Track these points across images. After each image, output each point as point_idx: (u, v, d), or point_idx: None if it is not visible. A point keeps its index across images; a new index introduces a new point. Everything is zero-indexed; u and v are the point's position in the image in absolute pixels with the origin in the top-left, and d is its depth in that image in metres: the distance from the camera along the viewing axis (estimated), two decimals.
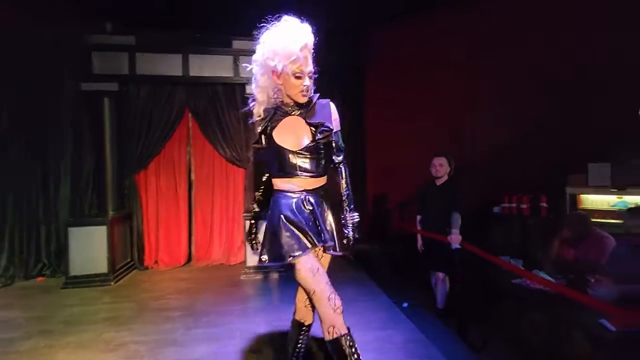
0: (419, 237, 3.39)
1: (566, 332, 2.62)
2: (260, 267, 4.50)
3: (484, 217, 4.70)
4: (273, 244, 1.51)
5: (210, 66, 4.64)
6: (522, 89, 4.79)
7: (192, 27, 4.77)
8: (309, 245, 1.49)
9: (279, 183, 1.62)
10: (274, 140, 1.57)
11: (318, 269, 1.50)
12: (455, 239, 2.82)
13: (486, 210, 4.70)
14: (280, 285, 4.26)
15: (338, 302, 1.48)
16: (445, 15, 5.10)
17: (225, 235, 5.14)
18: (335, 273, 4.99)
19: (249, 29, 4.97)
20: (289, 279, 4.44)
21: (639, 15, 3.98)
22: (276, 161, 1.59)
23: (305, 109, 1.62)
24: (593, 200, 3.95)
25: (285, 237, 1.48)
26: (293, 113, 1.61)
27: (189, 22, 4.71)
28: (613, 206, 3.80)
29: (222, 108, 4.95)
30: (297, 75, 1.52)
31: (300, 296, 1.77)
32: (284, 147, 1.56)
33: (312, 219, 1.55)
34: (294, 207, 1.54)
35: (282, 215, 1.51)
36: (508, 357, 2.52)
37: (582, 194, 4.00)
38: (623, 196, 3.73)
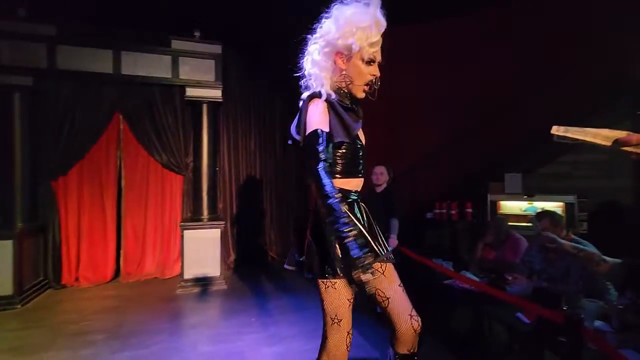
0: None
1: (489, 325, 2.90)
2: (199, 280, 4.27)
3: (419, 222, 5.04)
4: (334, 257, 1.28)
5: (146, 65, 4.33)
6: (450, 106, 5.29)
7: (127, 22, 4.43)
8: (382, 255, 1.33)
9: (346, 183, 1.38)
10: (353, 132, 1.34)
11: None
12: (392, 243, 2.97)
13: (420, 216, 5.04)
14: (221, 297, 4.07)
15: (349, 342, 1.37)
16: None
17: (160, 247, 4.78)
18: (281, 281, 4.95)
19: (190, 29, 4.79)
20: (233, 290, 4.28)
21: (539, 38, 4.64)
22: (350, 157, 1.37)
23: (358, 106, 1.43)
24: (509, 206, 4.45)
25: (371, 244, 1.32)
26: (352, 107, 1.39)
27: (123, 17, 4.36)
28: (525, 211, 4.33)
29: (158, 110, 4.63)
30: (371, 60, 1.32)
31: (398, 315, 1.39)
32: (362, 143, 1.42)
33: (374, 225, 1.45)
34: (363, 211, 1.41)
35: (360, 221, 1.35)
36: (440, 352, 2.70)
37: (500, 200, 4.49)
38: (533, 202, 4.27)
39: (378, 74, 1.35)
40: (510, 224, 3.52)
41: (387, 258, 1.39)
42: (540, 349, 1.79)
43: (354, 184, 1.42)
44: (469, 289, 2.43)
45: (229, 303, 3.86)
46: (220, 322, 3.35)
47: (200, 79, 4.50)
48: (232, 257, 5.30)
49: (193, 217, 4.55)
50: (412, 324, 1.38)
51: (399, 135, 5.71)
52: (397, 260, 2.75)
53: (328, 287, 1.33)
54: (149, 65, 4.34)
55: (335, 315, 1.34)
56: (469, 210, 4.57)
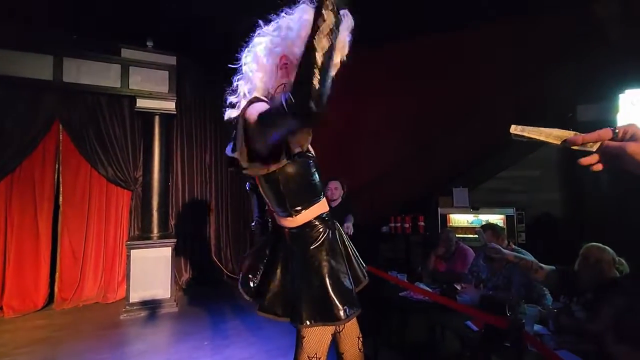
0: None
1: (442, 333, 3.01)
2: (147, 303, 3.97)
3: (374, 236, 5.16)
4: (336, 296, 1.17)
5: (91, 73, 4.07)
6: (403, 125, 5.58)
7: (72, 27, 4.14)
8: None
9: (310, 211, 1.25)
10: (304, 149, 1.18)
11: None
12: (348, 226, 3.07)
13: (376, 229, 5.17)
14: (172, 320, 3.81)
15: None
16: None
17: (103, 269, 4.39)
18: (237, 299, 4.76)
19: (143, 39, 4.62)
20: (185, 312, 4.03)
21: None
22: (307, 180, 1.24)
23: None
24: (457, 219, 4.73)
25: (345, 286, 1.20)
26: None
27: (67, 22, 4.08)
28: (471, 223, 4.61)
29: (105, 121, 4.34)
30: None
31: (348, 338, 1.34)
32: (313, 158, 1.26)
33: (352, 251, 1.36)
34: (339, 243, 1.28)
35: (331, 261, 1.21)
36: None
37: (449, 213, 4.75)
38: (478, 215, 4.58)
39: None
40: (458, 235, 3.73)
41: (365, 278, 1.40)
42: (487, 355, 1.88)
43: (321, 207, 1.31)
44: (423, 300, 2.52)
45: (179, 326, 3.63)
46: (169, 347, 3.12)
47: (153, 90, 4.31)
48: (185, 276, 5.01)
49: (142, 235, 4.26)
50: (358, 344, 1.37)
51: (354, 152, 5.88)
52: None
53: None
54: (94, 74, 4.08)
55: (315, 354, 1.20)
56: (422, 223, 4.78)
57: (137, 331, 3.53)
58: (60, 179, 4.21)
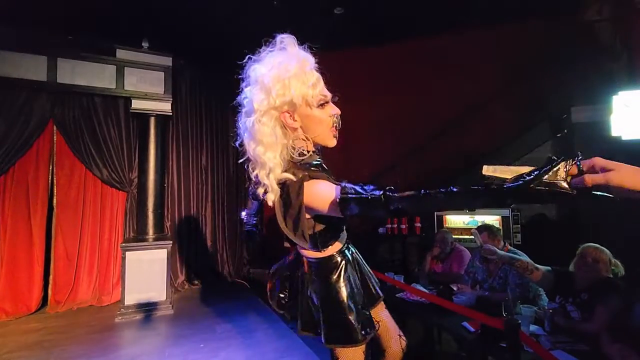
0: None
1: (438, 335, 3.01)
2: (142, 306, 3.94)
3: (371, 237, 5.17)
4: (354, 319, 1.22)
5: (86, 74, 4.04)
6: (398, 128, 5.60)
7: (66, 28, 4.11)
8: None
9: (335, 246, 1.28)
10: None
11: None
12: None
13: (373, 231, 5.18)
14: (167, 322, 3.78)
15: None
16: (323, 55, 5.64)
17: (98, 271, 4.35)
18: (233, 301, 4.76)
19: (138, 39, 4.60)
20: (181, 314, 4.00)
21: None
22: (343, 225, 1.32)
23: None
24: (453, 220, 4.74)
25: (361, 310, 1.26)
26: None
27: (62, 22, 4.04)
28: (467, 224, 4.63)
29: (100, 122, 4.31)
30: (322, 102, 1.11)
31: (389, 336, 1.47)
32: None
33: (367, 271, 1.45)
34: (354, 267, 1.36)
35: (348, 287, 1.26)
36: None
37: (446, 214, 4.76)
38: (474, 216, 4.59)
39: (338, 111, 1.16)
40: (455, 237, 3.74)
41: (380, 295, 1.48)
42: (484, 355, 1.89)
43: (344, 239, 1.36)
44: (420, 301, 2.52)
45: (175, 329, 3.60)
46: (165, 350, 3.10)
47: (148, 91, 4.29)
48: (181, 278, 4.98)
49: (137, 237, 4.23)
50: (401, 343, 1.50)
51: (349, 153, 5.88)
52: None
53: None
54: (89, 74, 4.06)
55: None
56: (418, 224, 4.79)
57: (132, 334, 3.50)
58: (54, 180, 4.17)
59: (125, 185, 4.45)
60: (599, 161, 0.72)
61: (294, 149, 1.10)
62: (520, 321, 1.59)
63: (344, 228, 1.36)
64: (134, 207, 4.43)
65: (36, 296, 4.02)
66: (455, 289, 2.64)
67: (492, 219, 4.32)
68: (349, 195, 0.94)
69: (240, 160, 1.17)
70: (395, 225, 4.90)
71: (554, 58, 4.76)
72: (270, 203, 1.09)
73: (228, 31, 4.53)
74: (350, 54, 5.68)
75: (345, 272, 1.27)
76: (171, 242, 4.33)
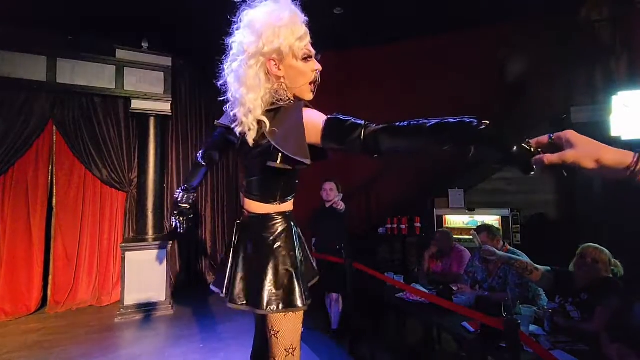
0: (313, 259, 3.48)
1: (438, 335, 3.01)
2: (141, 306, 3.93)
3: (371, 237, 5.17)
4: (301, 284, 1.22)
5: (85, 74, 4.04)
6: None
7: (65, 28, 4.12)
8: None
9: (290, 204, 1.31)
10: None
11: None
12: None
13: (373, 231, 5.17)
14: (167, 322, 3.78)
15: None
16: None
17: (97, 271, 4.35)
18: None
19: (137, 39, 4.60)
20: (180, 314, 4.00)
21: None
22: (298, 177, 1.30)
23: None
24: (453, 220, 4.74)
25: (304, 277, 1.27)
26: None
27: (61, 23, 4.04)
28: (467, 224, 4.63)
29: (99, 122, 4.31)
30: (307, 56, 1.15)
31: None
32: None
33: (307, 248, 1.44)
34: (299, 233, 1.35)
35: (297, 251, 1.27)
36: None
37: (445, 214, 4.76)
38: (474, 216, 4.59)
39: (319, 67, 1.19)
40: (455, 237, 3.74)
41: (318, 273, 1.49)
42: (484, 355, 1.88)
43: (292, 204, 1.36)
44: (420, 301, 2.52)
45: (175, 329, 3.60)
46: (164, 351, 3.09)
47: (148, 91, 4.29)
48: (181, 278, 4.98)
49: (137, 237, 4.22)
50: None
51: (352, 154, 5.88)
52: (354, 276, 2.76)
53: (287, 314, 1.18)
54: (89, 74, 4.06)
55: (291, 345, 1.19)
56: (418, 224, 4.79)
57: (132, 334, 3.50)
58: (54, 181, 4.17)
59: (125, 185, 4.45)
60: (569, 135, 0.70)
61: (276, 92, 1.17)
62: (520, 321, 1.58)
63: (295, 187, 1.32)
64: (133, 207, 4.43)
65: (36, 296, 4.02)
66: (455, 289, 2.64)
67: (492, 219, 4.32)
68: (337, 116, 1.05)
69: (221, 99, 1.24)
70: (395, 226, 4.90)
71: (553, 58, 4.76)
72: (250, 141, 1.16)
73: (227, 31, 4.53)
74: (350, 54, 5.68)
75: (296, 234, 1.30)
76: (171, 242, 4.33)
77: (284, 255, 1.23)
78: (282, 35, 1.09)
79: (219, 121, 1.36)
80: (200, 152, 1.65)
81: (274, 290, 1.18)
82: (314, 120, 1.09)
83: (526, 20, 4.85)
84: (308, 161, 1.08)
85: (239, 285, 1.25)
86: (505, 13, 4.79)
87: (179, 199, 1.74)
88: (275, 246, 1.23)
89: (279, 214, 1.28)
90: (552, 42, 4.76)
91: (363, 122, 1.01)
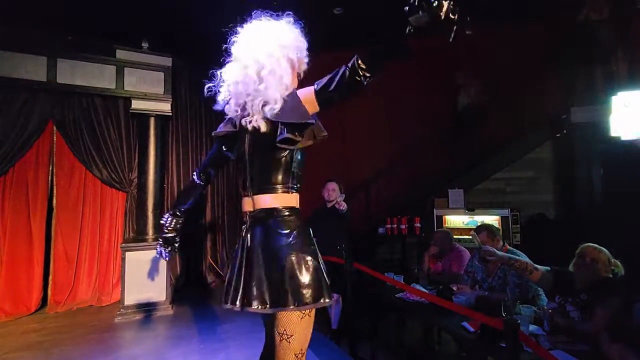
0: None
1: (438, 335, 3.01)
2: (141, 306, 3.93)
3: (371, 237, 5.17)
4: (325, 278, 1.25)
5: (86, 74, 4.04)
6: (400, 128, 5.59)
7: (66, 28, 4.12)
8: None
9: (298, 195, 1.37)
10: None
11: None
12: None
13: (372, 231, 5.18)
14: (167, 323, 3.78)
15: None
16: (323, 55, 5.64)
17: (97, 271, 4.35)
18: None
19: (137, 39, 4.60)
20: (180, 314, 4.00)
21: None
22: (303, 162, 1.37)
23: None
24: (453, 220, 4.75)
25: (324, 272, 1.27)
26: None
27: (60, 21, 4.05)
28: (467, 224, 4.64)
29: (99, 123, 4.31)
30: (298, 74, 1.43)
31: None
32: None
33: None
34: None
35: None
36: None
37: (445, 214, 4.77)
38: (473, 216, 4.60)
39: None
40: (455, 237, 3.74)
41: None
42: (483, 355, 1.89)
43: None
44: (420, 301, 2.52)
45: (175, 329, 3.60)
46: (164, 351, 3.09)
47: (148, 91, 4.29)
48: (181, 279, 4.98)
49: (137, 237, 4.22)
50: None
51: (349, 153, 5.88)
52: (354, 276, 2.77)
53: (304, 317, 1.17)
54: (89, 75, 4.06)
55: (300, 350, 1.17)
56: (418, 224, 4.79)
57: (132, 335, 3.50)
58: (54, 181, 4.17)
59: (125, 185, 4.45)
60: None
61: (286, 88, 1.32)
62: (519, 321, 1.59)
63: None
64: (133, 208, 4.43)
65: (36, 296, 4.02)
66: (454, 289, 2.64)
67: (491, 219, 4.33)
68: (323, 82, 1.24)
69: (223, 98, 1.40)
70: (395, 226, 4.91)
71: (553, 58, 4.77)
72: (264, 129, 1.29)
73: (227, 31, 4.54)
74: (349, 55, 5.68)
75: (309, 229, 1.34)
76: None
77: (305, 250, 1.23)
78: (302, 50, 1.38)
79: (217, 131, 1.44)
80: (196, 171, 1.64)
81: (300, 287, 1.16)
82: (306, 91, 1.28)
83: (526, 20, 4.86)
84: (312, 120, 1.25)
85: (256, 289, 1.22)
86: (505, 14, 4.79)
87: (166, 224, 1.66)
88: (294, 241, 1.23)
89: (288, 208, 1.30)
90: (552, 42, 4.77)
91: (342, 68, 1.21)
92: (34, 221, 4.03)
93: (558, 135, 4.72)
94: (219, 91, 1.40)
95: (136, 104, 4.26)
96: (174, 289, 4.72)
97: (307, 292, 1.16)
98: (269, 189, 1.30)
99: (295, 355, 1.16)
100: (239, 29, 1.39)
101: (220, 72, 1.40)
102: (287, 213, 1.29)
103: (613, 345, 1.62)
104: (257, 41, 1.33)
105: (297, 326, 1.16)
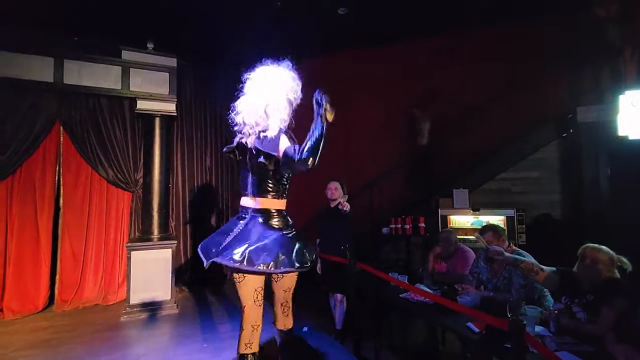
0: (318, 259, 3.48)
1: (442, 335, 3.00)
2: (147, 305, 3.96)
3: (375, 237, 5.16)
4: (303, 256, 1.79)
5: (92, 75, 4.08)
6: (403, 128, 5.58)
7: (72, 30, 4.16)
8: None
9: (285, 203, 1.93)
10: None
11: None
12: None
13: (376, 231, 5.16)
14: (172, 322, 3.80)
15: None
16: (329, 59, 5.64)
17: (103, 270, 4.39)
18: (235, 301, 4.75)
19: (143, 41, 4.63)
20: (185, 313, 4.02)
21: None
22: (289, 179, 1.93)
23: None
24: (458, 220, 4.72)
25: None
26: None
27: (66, 23, 4.09)
28: (472, 224, 4.61)
29: (105, 123, 4.34)
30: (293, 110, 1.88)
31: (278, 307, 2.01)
32: None
33: None
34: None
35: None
36: None
37: (450, 214, 4.75)
38: (479, 216, 4.57)
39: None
40: (459, 237, 3.72)
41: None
42: (489, 356, 1.88)
43: None
44: (424, 301, 2.51)
45: (179, 328, 3.62)
46: (169, 350, 3.11)
47: (153, 92, 4.32)
48: (185, 278, 5.01)
49: (142, 237, 4.26)
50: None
51: (354, 153, 5.88)
52: (358, 276, 2.80)
53: (295, 275, 1.93)
54: (95, 75, 4.10)
55: (289, 288, 1.99)
56: (422, 224, 4.77)
57: (138, 333, 3.53)
58: (61, 181, 4.21)
59: (130, 185, 4.49)
60: None
61: (285, 121, 1.82)
62: (525, 322, 1.58)
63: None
64: (139, 207, 4.46)
65: (43, 295, 4.07)
66: (459, 289, 2.63)
67: (497, 219, 4.30)
68: (290, 148, 1.68)
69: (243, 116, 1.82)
70: (400, 226, 4.88)
71: (560, 57, 4.73)
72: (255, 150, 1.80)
73: (231, 32, 4.56)
74: (353, 55, 5.67)
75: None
76: (176, 241, 4.36)
77: (298, 237, 1.84)
78: (297, 94, 1.84)
79: (226, 149, 1.97)
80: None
81: (296, 258, 1.73)
82: (283, 144, 1.71)
83: (533, 19, 4.82)
84: (275, 153, 1.70)
85: (263, 256, 1.67)
86: (512, 12, 4.76)
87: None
88: (288, 231, 1.83)
89: (277, 210, 1.86)
90: (558, 41, 4.73)
91: (295, 155, 1.59)
92: (41, 220, 4.07)
93: (564, 134, 4.68)
94: (234, 116, 1.85)
95: (141, 104, 4.30)
96: (179, 289, 4.74)
97: (301, 261, 1.75)
98: (263, 194, 1.83)
99: (283, 290, 1.94)
100: (251, 72, 1.86)
101: (236, 103, 1.85)
102: (276, 214, 1.85)
103: (619, 346, 1.61)
104: (264, 83, 1.80)
105: (293, 281, 1.94)
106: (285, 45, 5.13)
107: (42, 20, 3.94)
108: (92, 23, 4.13)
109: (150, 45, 4.34)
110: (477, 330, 1.98)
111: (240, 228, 1.80)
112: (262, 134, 1.74)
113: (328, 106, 1.50)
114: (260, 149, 1.72)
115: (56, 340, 3.30)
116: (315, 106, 1.54)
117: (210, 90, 5.35)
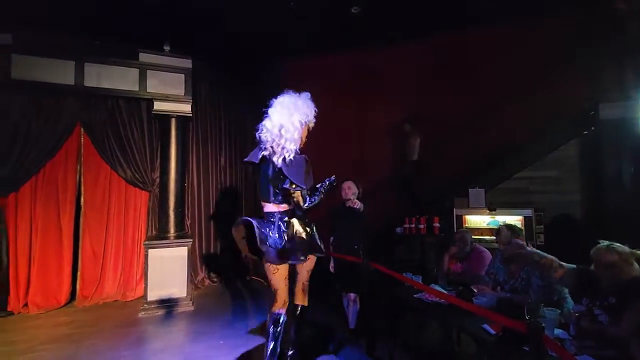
0: (331, 258, 3.49)
1: (457, 337, 2.96)
2: (164, 302, 4.05)
3: (388, 237, 5.12)
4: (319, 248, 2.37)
5: (111, 77, 4.19)
6: (417, 126, 5.51)
7: (92, 33, 4.28)
8: None
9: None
10: None
11: None
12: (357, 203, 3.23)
13: (390, 231, 5.13)
14: (188, 319, 3.88)
15: None
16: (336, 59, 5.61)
17: (122, 267, 4.51)
18: (251, 299, 4.80)
19: (159, 43, 4.71)
20: (201, 310, 4.10)
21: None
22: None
23: None
24: (473, 220, 4.64)
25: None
26: None
27: (86, 27, 4.21)
28: (488, 224, 4.53)
29: (123, 124, 4.46)
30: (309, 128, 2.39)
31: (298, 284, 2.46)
32: None
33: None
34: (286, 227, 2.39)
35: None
36: None
37: (465, 214, 4.67)
38: (495, 216, 4.48)
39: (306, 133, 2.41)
40: (475, 237, 3.66)
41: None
42: (506, 359, 1.84)
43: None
44: (439, 302, 2.48)
45: (195, 325, 3.69)
46: (185, 346, 3.18)
47: (169, 93, 4.41)
48: (201, 275, 5.10)
49: (159, 235, 4.35)
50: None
51: (369, 152, 5.85)
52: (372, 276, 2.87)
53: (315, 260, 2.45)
54: (114, 78, 4.21)
55: (308, 272, 2.49)
56: (437, 224, 4.71)
57: (155, 329, 3.61)
58: (82, 181, 4.35)
59: (147, 185, 4.59)
60: None
61: (301, 140, 2.31)
62: (544, 324, 1.54)
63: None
64: (156, 206, 4.56)
65: (65, 291, 4.22)
66: (475, 290, 2.59)
67: (514, 219, 4.21)
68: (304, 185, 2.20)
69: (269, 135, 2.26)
70: (414, 225, 4.83)
71: (582, 53, 4.58)
72: (279, 163, 2.21)
73: (246, 34, 4.60)
74: (367, 55, 5.64)
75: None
76: (191, 240, 4.44)
77: (310, 230, 2.33)
78: (311, 117, 2.35)
79: (248, 160, 2.40)
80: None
81: (314, 246, 2.33)
82: (306, 180, 2.18)
83: (556, 15, 4.69)
84: (304, 187, 2.18)
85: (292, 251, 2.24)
86: (535, 8, 4.64)
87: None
88: (306, 227, 2.32)
89: (293, 210, 2.32)
90: (581, 36, 4.58)
91: (304, 204, 2.25)
92: (63, 220, 4.22)
93: (586, 132, 4.54)
94: (258, 134, 2.29)
95: (158, 106, 4.39)
96: (195, 286, 4.83)
97: (318, 249, 2.35)
98: (283, 202, 2.29)
99: (307, 271, 2.45)
100: (274, 99, 2.31)
101: (262, 124, 2.28)
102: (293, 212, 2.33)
103: None
104: (283, 109, 2.24)
105: (312, 265, 2.44)
106: (299, 44, 5.16)
107: (63, 24, 4.07)
108: (111, 26, 4.24)
109: (166, 48, 4.42)
110: (493, 332, 1.95)
111: (282, 230, 2.25)
112: (287, 158, 2.16)
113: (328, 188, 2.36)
114: (287, 175, 2.14)
115: (78, 335, 3.41)
116: (325, 184, 2.34)
117: (224, 91, 5.41)
